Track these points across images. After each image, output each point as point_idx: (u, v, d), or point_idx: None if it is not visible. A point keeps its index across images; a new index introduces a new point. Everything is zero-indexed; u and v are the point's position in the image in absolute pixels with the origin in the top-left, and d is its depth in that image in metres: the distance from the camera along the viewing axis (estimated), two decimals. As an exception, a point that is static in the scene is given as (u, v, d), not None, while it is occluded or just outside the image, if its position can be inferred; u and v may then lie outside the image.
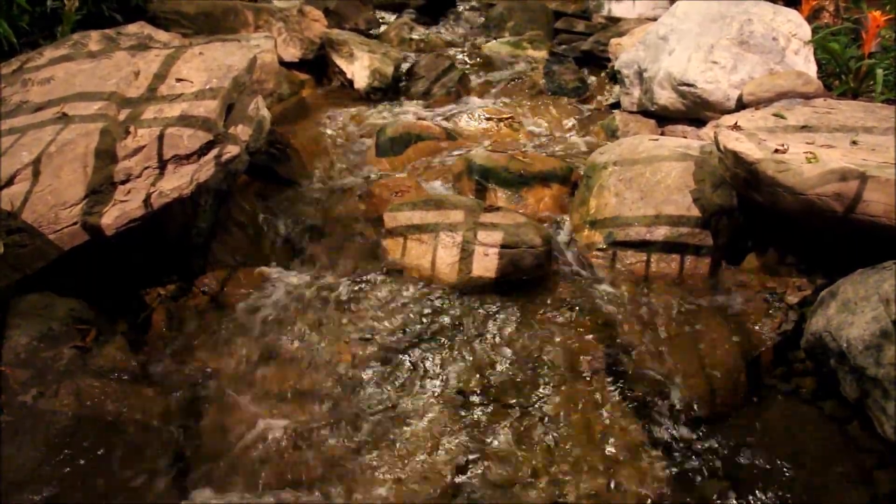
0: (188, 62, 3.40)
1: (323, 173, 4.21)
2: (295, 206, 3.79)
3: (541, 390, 2.71)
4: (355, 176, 4.16)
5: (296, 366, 2.82)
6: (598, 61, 5.84)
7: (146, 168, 2.91)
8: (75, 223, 2.73)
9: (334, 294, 3.15)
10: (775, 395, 2.71)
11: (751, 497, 2.36)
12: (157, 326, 2.98)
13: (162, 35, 3.76)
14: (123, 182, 2.86)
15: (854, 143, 3.01)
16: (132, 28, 3.76)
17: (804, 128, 3.22)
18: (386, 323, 2.99)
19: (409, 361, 2.83)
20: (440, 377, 2.76)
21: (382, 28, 6.74)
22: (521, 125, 4.81)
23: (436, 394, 2.70)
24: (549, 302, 3.12)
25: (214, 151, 3.06)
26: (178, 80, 3.28)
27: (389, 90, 5.40)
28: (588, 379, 2.76)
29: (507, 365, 2.81)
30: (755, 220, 3.21)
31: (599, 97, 5.40)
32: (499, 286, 3.13)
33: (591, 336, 2.93)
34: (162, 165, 2.94)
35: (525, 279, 3.17)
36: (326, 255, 3.45)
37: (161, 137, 2.96)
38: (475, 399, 2.68)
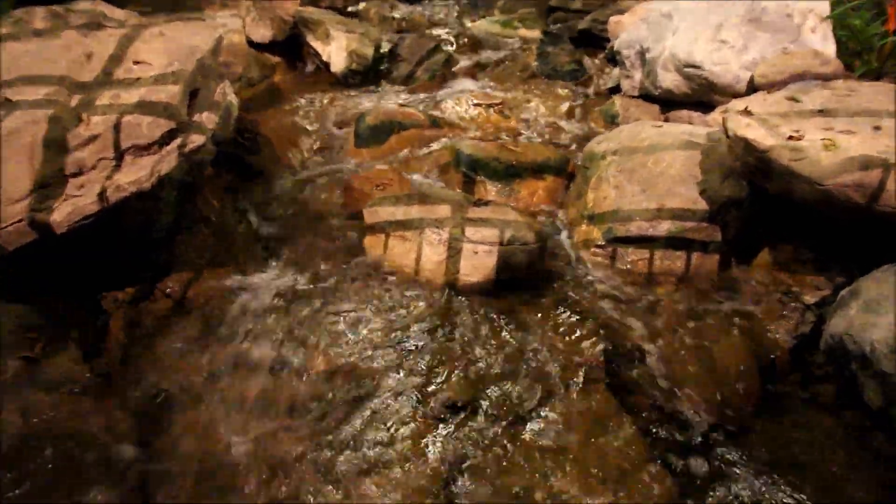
0: (147, 43, 3.34)
1: (297, 165, 4.19)
2: (267, 201, 3.77)
3: (535, 400, 2.68)
4: (332, 168, 4.14)
5: (268, 375, 2.78)
6: (596, 41, 5.83)
7: (101, 159, 2.86)
8: (21, 220, 2.68)
9: (309, 297, 3.11)
10: (791, 403, 2.70)
11: (766, 516, 2.34)
12: (115, 334, 2.93)
13: (117, 13, 3.69)
14: (76, 175, 2.80)
15: (877, 128, 2.97)
16: (83, 4, 3.69)
17: (821, 112, 3.18)
18: (366, 328, 2.96)
19: (392, 370, 2.79)
20: (426, 387, 2.73)
21: (361, 6, 6.71)
22: (512, 112, 4.80)
23: (422, 405, 2.67)
24: (543, 304, 3.10)
25: (177, 141, 3.03)
26: (136, 62, 3.22)
27: (369, 74, 5.37)
28: (586, 388, 2.73)
29: (499, 373, 2.77)
30: (768, 212, 3.20)
31: (597, 80, 5.40)
32: (489, 287, 3.12)
33: (589, 341, 2.90)
34: (119, 156, 2.89)
35: (518, 279, 3.15)
36: (301, 254, 3.42)
37: (117, 126, 2.91)
38: (464, 410, 2.64)
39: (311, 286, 3.18)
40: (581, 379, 2.76)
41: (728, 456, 2.52)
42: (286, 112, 4.67)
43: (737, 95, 3.99)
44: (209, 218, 3.51)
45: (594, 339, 2.92)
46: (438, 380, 2.75)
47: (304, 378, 2.77)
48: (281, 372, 2.79)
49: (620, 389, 2.74)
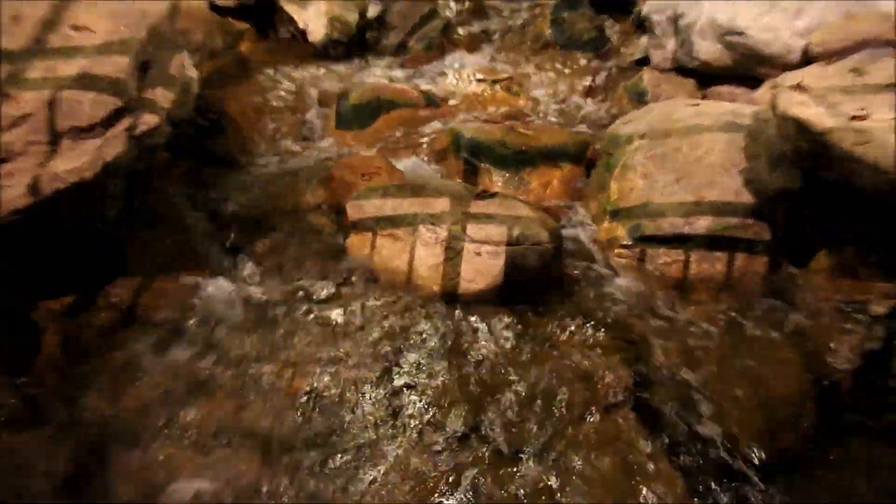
0: (88, 5, 3.31)
1: (268, 151, 4.18)
2: (232, 193, 3.75)
3: (550, 430, 2.64)
4: (310, 154, 4.15)
5: (233, 402, 2.74)
6: (620, 5, 5.78)
7: (32, 143, 2.82)
8: (-67, 216, 2.65)
9: (282, 307, 3.10)
10: (858, 436, 2.66)
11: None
12: (49, 352, 2.88)
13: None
14: (2, 162, 2.77)
15: (962, 105, 2.96)
16: (9, -43, 3.70)
17: (893, 86, 3.14)
18: (350, 344, 2.93)
19: (381, 393, 2.76)
20: (420, 413, 2.70)
21: (344, -37, 6.74)
22: (521, 88, 4.84)
23: (415, 435, 2.63)
24: (559, 315, 3.09)
25: (126, 122, 3.01)
26: (75, 28, 3.18)
27: (353, 44, 5.35)
28: (611, 415, 2.71)
29: (507, 397, 2.75)
30: (826, 206, 3.16)
31: (623, 51, 5.39)
32: (495, 294, 3.09)
33: (612, 359, 2.89)
34: (55, 140, 2.86)
35: (529, 285, 3.13)
36: (273, 255, 3.41)
37: (53, 103, 2.88)
38: (465, 441, 2.61)
39: (285, 295, 3.16)
40: (604, 405, 2.73)
41: (778, 500, 2.48)
42: (255, 88, 4.67)
43: (789, 67, 3.95)
44: (164, 213, 3.48)
45: (619, 357, 2.90)
46: (436, 404, 2.72)
47: (276, 404, 2.73)
48: (249, 396, 2.75)
49: (651, 417, 2.71)
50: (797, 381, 2.80)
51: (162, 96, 3.20)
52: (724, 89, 4.49)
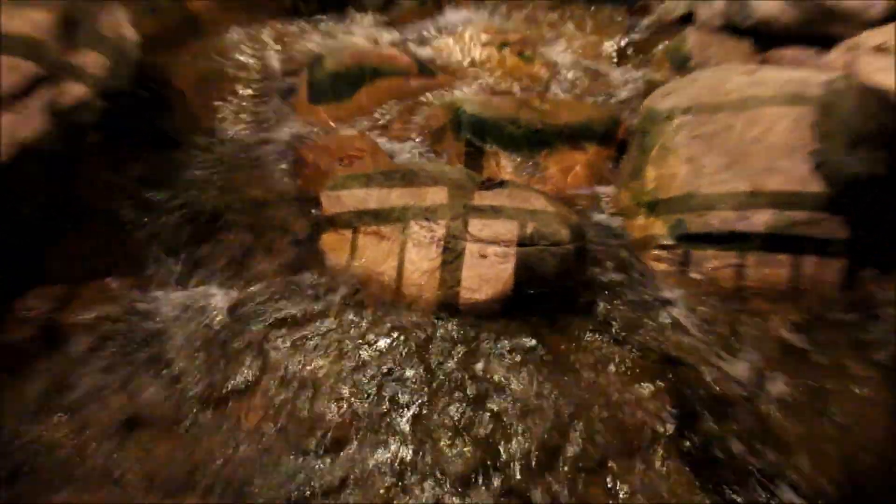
0: (-5, -55, 3.32)
1: (224, 129, 4.20)
2: (180, 181, 3.76)
3: (573, 472, 2.58)
4: (276, 133, 4.15)
5: (179, 436, 2.69)
6: (660, -51, 5.84)
7: None
8: None
9: (241, 322, 3.07)
10: None
11: None
12: (-54, 378, 2.84)
13: None
14: None
15: None
16: None
17: None
18: (323, 368, 2.88)
19: (360, 427, 2.70)
20: (413, 453, 2.63)
21: None
22: (537, 52, 4.84)
23: (404, 475, 2.57)
24: (582, 331, 3.08)
25: (45, 93, 3.05)
26: None
27: None
28: (648, 457, 2.64)
29: (519, 432, 2.68)
30: None
31: (662, 6, 5.44)
32: (503, 306, 3.05)
33: (650, 386, 2.85)
34: None
35: (545, 295, 3.10)
36: (229, 259, 3.40)
37: None
38: (467, 484, 2.55)
39: (244, 306, 3.13)
40: (641, 444, 2.68)
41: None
42: (209, 53, 4.70)
43: (869, 24, 3.96)
44: (94, 206, 3.47)
45: (658, 384, 2.86)
46: (430, 443, 2.66)
47: (232, 440, 2.68)
48: (196, 428, 2.71)
49: (698, 461, 2.64)
50: (883, 419, 2.73)
51: (92, 62, 3.21)
52: (788, 53, 4.48)
